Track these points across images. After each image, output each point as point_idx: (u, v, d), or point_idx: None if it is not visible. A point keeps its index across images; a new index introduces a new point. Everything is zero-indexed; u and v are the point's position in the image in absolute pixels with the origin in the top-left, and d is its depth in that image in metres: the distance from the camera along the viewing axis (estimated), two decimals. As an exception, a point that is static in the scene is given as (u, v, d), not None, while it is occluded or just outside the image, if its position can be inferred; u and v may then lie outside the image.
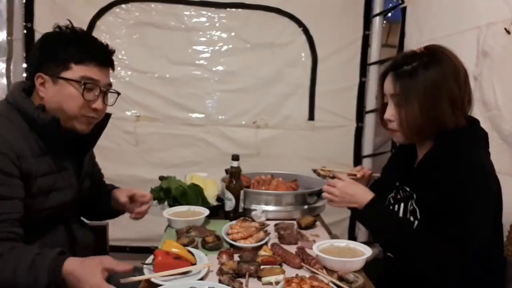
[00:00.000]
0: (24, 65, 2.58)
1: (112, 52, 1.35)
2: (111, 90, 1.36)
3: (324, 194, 1.49)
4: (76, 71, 1.26)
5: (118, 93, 1.39)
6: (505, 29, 1.57)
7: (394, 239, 1.30)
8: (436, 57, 1.26)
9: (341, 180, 1.45)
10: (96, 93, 1.30)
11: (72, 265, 1.11)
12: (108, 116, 1.42)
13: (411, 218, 1.33)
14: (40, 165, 1.23)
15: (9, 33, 2.48)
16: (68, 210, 1.40)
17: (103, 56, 1.32)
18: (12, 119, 1.23)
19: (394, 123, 1.33)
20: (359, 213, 1.40)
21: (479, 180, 1.19)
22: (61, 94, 1.27)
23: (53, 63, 1.26)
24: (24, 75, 2.53)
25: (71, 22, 1.33)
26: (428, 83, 1.23)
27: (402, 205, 1.39)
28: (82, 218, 1.58)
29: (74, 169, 1.39)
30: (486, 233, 1.22)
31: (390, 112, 1.32)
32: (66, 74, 1.26)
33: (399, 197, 1.42)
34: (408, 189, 1.38)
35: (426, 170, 1.30)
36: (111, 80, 1.37)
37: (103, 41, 1.35)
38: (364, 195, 1.39)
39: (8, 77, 2.49)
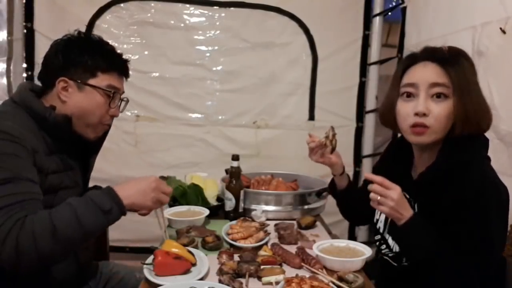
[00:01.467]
0: (24, 65, 2.58)
1: (127, 61, 1.39)
2: (123, 98, 1.40)
3: (375, 196, 1.19)
4: (102, 79, 1.30)
5: (127, 100, 1.42)
6: (501, 28, 1.57)
7: (434, 258, 1.18)
8: (464, 54, 1.22)
9: (397, 185, 1.22)
10: (116, 102, 1.35)
11: (120, 184, 1.21)
12: None
13: None
14: (50, 163, 1.24)
15: (9, 33, 2.48)
16: None
17: (124, 66, 1.37)
18: (21, 119, 1.22)
19: (428, 118, 1.19)
20: (406, 224, 1.19)
21: (495, 193, 1.15)
22: (87, 101, 1.29)
23: (80, 69, 1.27)
24: (24, 75, 2.57)
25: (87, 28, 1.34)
26: (473, 76, 1.19)
27: None
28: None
29: (80, 169, 1.40)
30: (504, 242, 1.21)
31: (425, 105, 1.18)
32: (93, 82, 1.29)
33: None
34: (407, 195, 1.32)
35: (431, 181, 1.24)
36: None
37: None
38: (409, 207, 1.22)
39: (8, 77, 2.48)
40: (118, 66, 1.35)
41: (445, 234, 1.18)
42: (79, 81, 1.28)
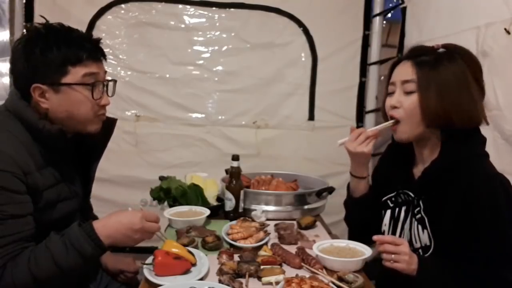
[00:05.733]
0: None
1: (99, 41, 1.27)
2: (107, 79, 1.29)
3: (389, 256, 1.20)
4: (76, 73, 1.19)
5: (115, 81, 1.32)
6: (505, 29, 1.57)
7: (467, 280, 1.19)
8: (459, 52, 1.26)
9: (403, 239, 1.25)
10: (100, 89, 1.25)
11: (100, 219, 1.18)
12: (114, 121, 1.41)
13: (420, 227, 1.29)
14: (45, 178, 1.19)
15: (12, 33, 2.48)
16: (74, 217, 1.37)
17: (95, 50, 1.24)
18: (14, 131, 1.16)
19: (399, 110, 1.29)
20: (421, 270, 1.19)
21: (499, 189, 1.17)
22: (68, 101, 1.20)
23: (48, 71, 1.17)
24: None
25: (45, 18, 1.24)
26: (451, 75, 1.22)
27: (403, 208, 1.37)
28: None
29: (79, 177, 1.36)
30: None
31: (397, 99, 1.29)
32: (67, 79, 1.18)
33: (400, 200, 1.40)
34: (411, 194, 1.34)
35: (436, 176, 1.26)
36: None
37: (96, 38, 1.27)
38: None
39: (11, 77, 2.48)
40: (89, 53, 1.20)
41: (456, 236, 1.19)
42: (52, 84, 1.18)
